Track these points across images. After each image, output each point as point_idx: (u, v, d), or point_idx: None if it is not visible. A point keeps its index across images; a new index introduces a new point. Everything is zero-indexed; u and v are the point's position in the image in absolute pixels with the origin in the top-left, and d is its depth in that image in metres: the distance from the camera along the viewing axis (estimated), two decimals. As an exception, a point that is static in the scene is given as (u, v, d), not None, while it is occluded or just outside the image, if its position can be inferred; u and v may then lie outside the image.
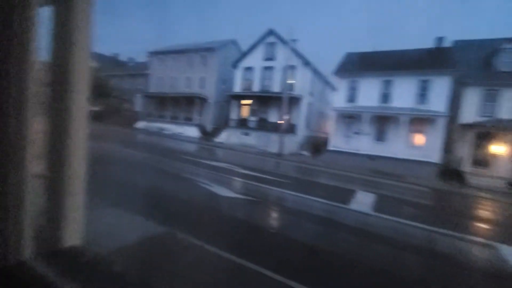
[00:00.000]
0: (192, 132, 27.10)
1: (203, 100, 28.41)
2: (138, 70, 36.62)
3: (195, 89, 29.31)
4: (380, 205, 7.87)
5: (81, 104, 0.79)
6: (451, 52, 19.54)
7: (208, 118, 28.62)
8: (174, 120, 29.40)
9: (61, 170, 0.78)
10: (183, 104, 29.00)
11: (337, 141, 20.30)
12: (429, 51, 20.40)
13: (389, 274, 3.89)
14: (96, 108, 34.23)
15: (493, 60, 18.04)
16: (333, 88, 26.94)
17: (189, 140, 24.08)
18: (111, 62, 40.47)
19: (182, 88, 30.26)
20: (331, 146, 20.31)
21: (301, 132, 23.55)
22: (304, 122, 23.98)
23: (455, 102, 18.03)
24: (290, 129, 22.24)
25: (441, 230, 6.14)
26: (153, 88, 32.68)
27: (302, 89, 22.92)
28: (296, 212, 6.60)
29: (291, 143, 21.57)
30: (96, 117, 33.27)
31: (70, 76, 0.75)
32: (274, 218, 6.30)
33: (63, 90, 0.76)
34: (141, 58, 39.35)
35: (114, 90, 33.98)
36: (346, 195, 8.52)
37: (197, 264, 3.40)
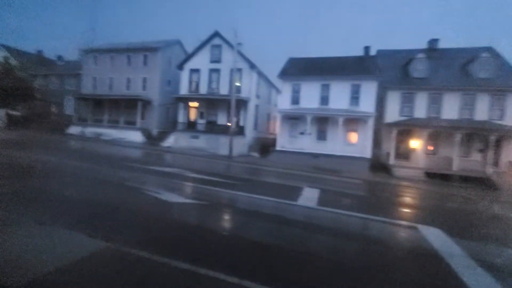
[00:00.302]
0: (136, 136, 25.41)
1: (146, 102, 26.86)
2: (68, 70, 32.74)
3: (137, 90, 27.53)
4: (323, 199, 8.60)
5: None
6: (375, 60, 22.23)
7: (153, 122, 27.18)
8: (114, 124, 27.12)
9: None
10: (124, 107, 26.98)
11: (283, 142, 21.31)
12: (359, 59, 22.85)
13: (333, 262, 4.33)
14: (16, 113, 29.64)
15: (408, 67, 21.09)
16: (278, 91, 28.16)
17: (133, 145, 22.52)
18: (35, 60, 35.38)
19: (122, 89, 28.11)
20: (278, 146, 21.21)
21: (250, 134, 24.05)
22: (252, 124, 24.53)
23: (381, 104, 20.62)
24: (239, 131, 22.55)
25: (371, 217, 7.04)
26: (87, 90, 29.63)
27: (249, 91, 23.43)
28: (248, 212, 6.80)
29: (240, 145, 21.88)
30: (17, 122, 28.78)
31: None
32: (226, 220, 6.39)
33: None
34: (72, 56, 35.36)
35: (39, 91, 29.80)
36: (293, 192, 9.06)
37: (143, 280, 3.16)
